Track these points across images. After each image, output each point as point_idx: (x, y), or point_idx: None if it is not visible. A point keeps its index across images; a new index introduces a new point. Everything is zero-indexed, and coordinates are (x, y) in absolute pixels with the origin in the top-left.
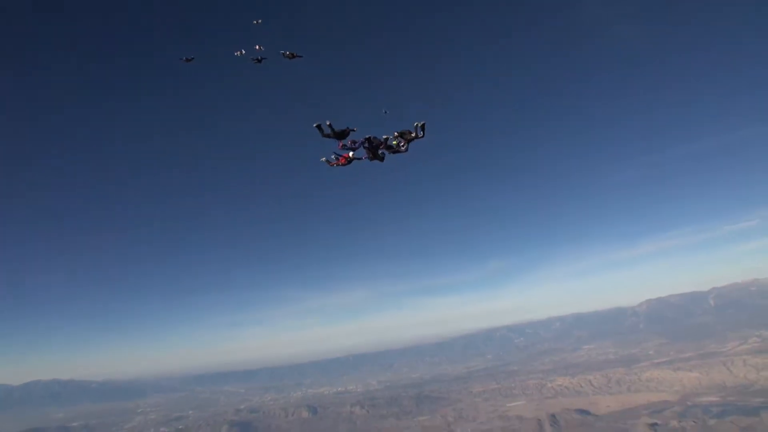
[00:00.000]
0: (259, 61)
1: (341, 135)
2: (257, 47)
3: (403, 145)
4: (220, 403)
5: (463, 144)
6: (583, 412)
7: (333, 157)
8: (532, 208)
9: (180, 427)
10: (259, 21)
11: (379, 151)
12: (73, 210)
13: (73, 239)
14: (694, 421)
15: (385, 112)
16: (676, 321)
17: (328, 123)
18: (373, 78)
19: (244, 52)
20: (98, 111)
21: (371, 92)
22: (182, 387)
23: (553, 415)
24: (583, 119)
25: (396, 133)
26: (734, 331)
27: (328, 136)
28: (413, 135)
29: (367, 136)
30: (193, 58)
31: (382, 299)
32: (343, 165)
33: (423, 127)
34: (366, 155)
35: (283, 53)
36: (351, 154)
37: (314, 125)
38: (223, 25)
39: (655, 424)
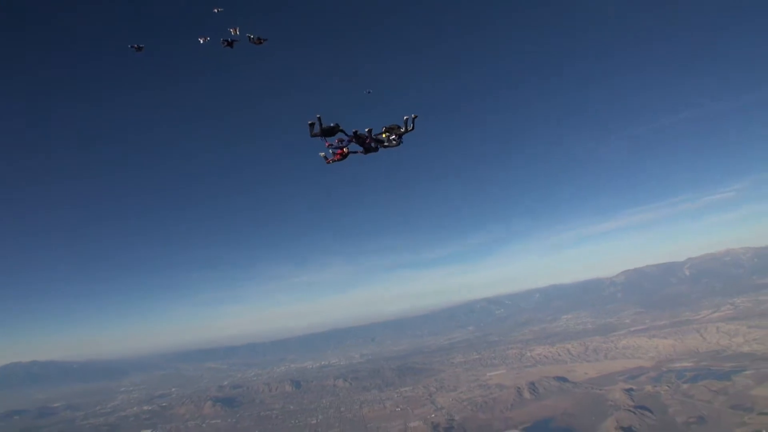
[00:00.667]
0: (230, 44)
1: (329, 132)
2: (232, 30)
3: (394, 140)
4: (203, 379)
5: (443, 122)
6: (562, 379)
7: (330, 152)
8: (512, 183)
9: (163, 404)
10: (220, 9)
11: (372, 144)
12: (51, 193)
13: (52, 221)
14: (668, 386)
15: (368, 92)
16: (653, 290)
17: (318, 117)
18: (361, 66)
19: (209, 38)
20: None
21: (358, 81)
22: (165, 365)
23: (532, 383)
24: (559, 96)
25: (384, 128)
26: (708, 299)
27: (315, 135)
28: (402, 129)
29: (353, 132)
30: (143, 47)
31: (365, 274)
32: (339, 161)
33: (414, 120)
34: (361, 149)
35: (249, 37)
36: (346, 149)
37: (309, 123)
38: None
39: (631, 389)
